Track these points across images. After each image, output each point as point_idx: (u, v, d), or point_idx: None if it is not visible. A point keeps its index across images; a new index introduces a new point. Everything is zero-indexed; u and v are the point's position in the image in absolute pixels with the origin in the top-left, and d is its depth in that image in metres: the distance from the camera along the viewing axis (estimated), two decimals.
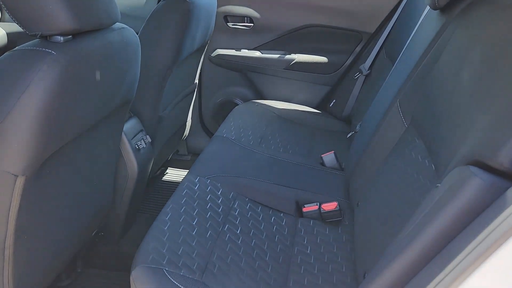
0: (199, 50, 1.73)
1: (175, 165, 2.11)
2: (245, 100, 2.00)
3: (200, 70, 1.97)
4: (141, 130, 1.42)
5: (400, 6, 1.62)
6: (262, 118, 1.69)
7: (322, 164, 1.44)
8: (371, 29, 1.78)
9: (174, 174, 2.05)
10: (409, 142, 0.95)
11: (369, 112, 1.29)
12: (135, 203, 1.45)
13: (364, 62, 1.72)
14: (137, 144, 1.37)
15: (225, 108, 2.02)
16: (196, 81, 1.85)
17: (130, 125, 1.37)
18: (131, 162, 1.34)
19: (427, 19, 1.16)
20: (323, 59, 1.86)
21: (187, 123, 1.91)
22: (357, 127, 1.44)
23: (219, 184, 1.22)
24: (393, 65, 1.49)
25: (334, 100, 1.85)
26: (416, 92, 1.00)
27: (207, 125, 2.09)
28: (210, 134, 2.11)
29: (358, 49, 1.83)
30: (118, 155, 1.28)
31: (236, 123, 1.62)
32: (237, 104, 2.00)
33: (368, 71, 1.69)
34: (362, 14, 1.76)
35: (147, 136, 1.43)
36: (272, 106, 1.81)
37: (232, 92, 2.00)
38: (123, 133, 1.31)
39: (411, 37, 1.27)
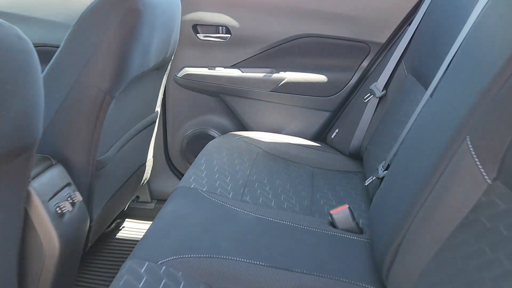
0: (160, 69, 1.30)
1: (134, 215, 1.65)
2: (223, 131, 1.57)
3: (164, 95, 1.54)
4: (68, 184, 0.97)
5: (422, 6, 1.23)
6: (244, 157, 1.26)
7: (332, 224, 1.01)
8: (382, 38, 1.38)
9: (132, 229, 1.59)
10: (503, 212, 0.54)
11: (404, 152, 0.87)
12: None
13: (376, 81, 1.31)
14: (59, 207, 0.91)
15: (198, 142, 1.58)
16: (158, 109, 1.41)
17: (48, 179, 0.92)
18: (49, 235, 0.89)
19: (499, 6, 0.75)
20: (321, 77, 1.45)
21: (147, 163, 1.46)
22: (380, 171, 1.02)
23: (179, 272, 0.78)
24: (421, 83, 1.09)
25: (337, 130, 1.43)
26: (501, 123, 0.59)
27: (176, 164, 1.65)
28: (179, 175, 1.66)
29: (365, 64, 1.43)
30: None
31: (209, 165, 1.18)
32: (213, 137, 1.56)
33: (383, 92, 1.28)
34: (369, 20, 1.37)
35: (76, 192, 0.98)
36: (257, 140, 1.38)
37: (205, 121, 1.57)
38: (33, 192, 0.86)
39: (462, 41, 0.87)
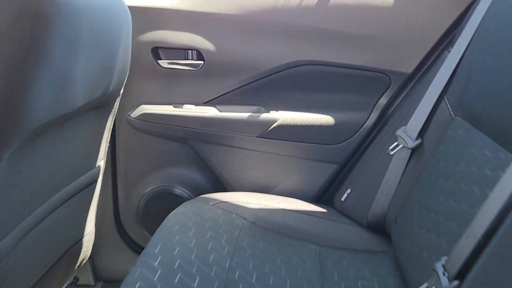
0: (101, 108, 0.91)
1: None
2: (193, 189, 1.17)
3: (112, 142, 1.14)
4: None
5: (471, 19, 0.89)
6: (222, 235, 0.86)
7: None
8: (408, 67, 1.03)
9: None
10: None
11: (502, 259, 0.48)
12: None
13: (405, 124, 0.94)
14: None
15: (159, 204, 1.18)
16: (101, 162, 1.01)
17: None
18: None
19: None
20: (326, 119, 1.08)
21: (84, 238, 1.04)
22: (444, 278, 0.63)
23: None
24: (483, 131, 0.72)
25: (348, 190, 1.05)
26: None
27: (130, 233, 1.23)
28: (135, 247, 1.24)
29: (383, 100, 1.07)
30: None
31: (167, 253, 0.78)
32: (180, 197, 1.16)
33: (418, 142, 0.91)
34: (390, 42, 1.02)
35: None
36: (240, 206, 0.99)
37: (170, 176, 1.17)
38: None
39: None
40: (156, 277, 0.71)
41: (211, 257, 0.79)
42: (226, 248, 0.82)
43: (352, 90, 1.07)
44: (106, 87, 0.85)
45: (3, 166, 0.62)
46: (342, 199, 1.06)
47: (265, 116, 1.07)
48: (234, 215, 0.95)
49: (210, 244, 0.82)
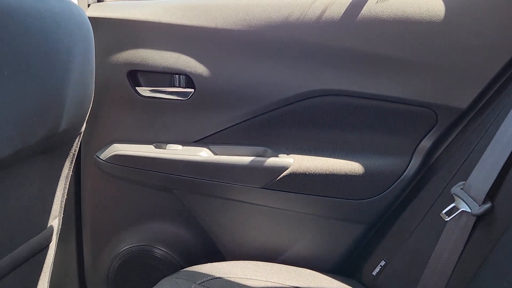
0: (51, 151, 0.67)
1: None
2: (179, 251, 0.91)
3: (78, 189, 0.89)
4: None
5: None
6: None
7: None
8: (461, 101, 0.78)
9: None
10: None
11: None
12: None
13: (464, 179, 0.69)
14: None
15: (135, 268, 0.92)
16: (55, 221, 0.76)
17: None
18: None
19: None
20: (352, 166, 0.83)
21: None
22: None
23: None
24: None
25: (383, 262, 0.79)
26: None
27: None
28: None
29: (427, 143, 0.82)
30: None
31: None
32: (162, 260, 0.91)
33: (487, 206, 0.66)
34: (439, 69, 0.77)
35: None
36: (240, 283, 0.73)
37: (149, 233, 0.92)
38: None
39: None
40: None
41: None
42: None
43: (386, 129, 0.82)
44: (53, 126, 0.61)
45: None
46: (374, 273, 0.80)
47: (273, 161, 0.82)
48: None
49: None
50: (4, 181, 0.59)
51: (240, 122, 0.85)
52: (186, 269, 0.78)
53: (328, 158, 0.83)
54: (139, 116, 0.86)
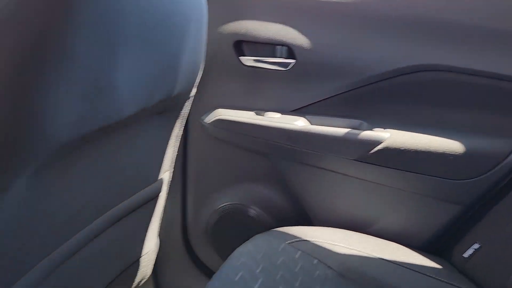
0: (166, 113, 0.76)
1: None
2: (271, 213, 0.98)
3: (183, 151, 0.99)
4: None
5: None
6: (296, 284, 0.66)
7: None
8: None
9: None
10: None
11: None
12: None
13: None
14: None
15: (231, 223, 1.01)
16: (165, 174, 0.86)
17: None
18: None
19: None
20: (452, 145, 0.80)
21: (143, 257, 0.91)
22: None
23: None
24: None
25: (476, 246, 0.77)
26: None
27: (197, 251, 1.08)
28: (202, 267, 1.09)
29: None
30: None
31: None
32: (252, 219, 0.98)
33: None
34: None
35: None
36: (324, 248, 0.77)
37: (245, 193, 0.99)
38: None
39: None
40: None
41: None
42: None
43: (494, 109, 0.78)
44: (169, 90, 0.68)
45: (18, 194, 0.48)
46: (466, 255, 0.78)
47: (368, 134, 0.83)
48: (316, 261, 0.73)
49: (284, 284, 0.62)
50: (127, 137, 0.69)
51: (337, 94, 0.87)
52: (276, 229, 0.83)
53: (426, 135, 0.81)
54: (242, 84, 0.92)
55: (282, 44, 0.87)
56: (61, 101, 0.46)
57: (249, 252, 0.73)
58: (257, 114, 0.92)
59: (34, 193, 0.51)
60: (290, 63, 0.87)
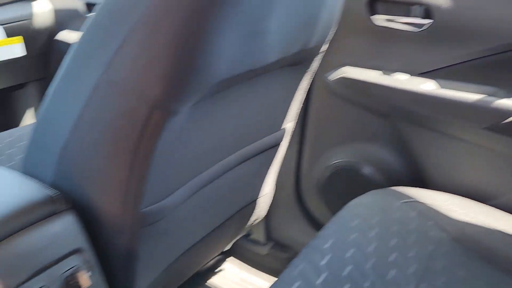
0: (297, 65, 0.80)
1: (241, 254, 1.22)
2: (385, 174, 0.99)
3: (304, 105, 1.03)
4: (77, 251, 0.56)
5: None
6: (410, 241, 0.68)
7: None
8: None
9: (231, 276, 1.15)
10: None
11: None
12: None
13: None
14: None
15: (343, 180, 1.04)
16: (289, 125, 0.92)
17: (41, 237, 0.52)
18: None
19: None
20: None
21: (259, 199, 0.99)
22: None
23: None
24: None
25: None
26: None
27: (308, 202, 1.14)
28: (310, 219, 1.15)
29: None
30: None
31: (342, 247, 0.65)
32: (368, 178, 1.00)
33: None
34: None
35: (86, 271, 0.56)
36: (440, 211, 0.77)
37: (361, 152, 1.01)
38: None
39: None
40: (320, 281, 0.59)
41: (391, 274, 0.62)
42: (413, 266, 0.64)
43: None
44: (306, 42, 0.72)
45: (181, 120, 0.56)
46: None
47: (502, 102, 0.79)
48: (431, 223, 0.74)
49: (393, 255, 0.65)
50: (262, 84, 0.75)
51: (473, 59, 0.83)
52: (391, 188, 0.85)
53: None
54: (371, 43, 0.92)
55: (420, 3, 0.85)
56: (225, 43, 0.52)
57: (366, 204, 0.77)
58: (384, 74, 0.92)
59: (190, 122, 0.60)
60: (425, 24, 0.86)
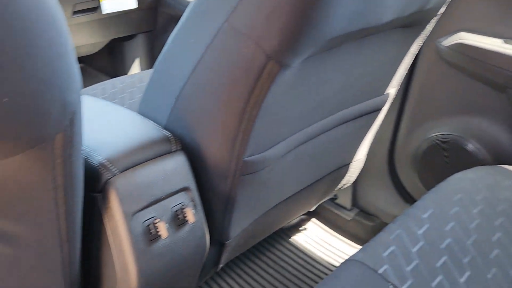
0: (409, 27, 0.76)
1: (325, 218, 1.23)
2: (491, 152, 0.92)
3: (410, 71, 0.98)
4: (184, 189, 0.60)
5: None
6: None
7: None
8: None
9: (315, 234, 1.17)
10: None
11: None
12: None
13: None
14: (154, 225, 0.56)
15: (442, 155, 0.99)
16: (392, 90, 0.88)
17: (154, 173, 0.57)
18: (124, 266, 0.56)
19: None
20: None
21: (352, 163, 0.98)
22: None
23: None
24: None
25: None
26: None
27: (401, 174, 1.11)
28: (402, 191, 1.12)
29: None
30: None
31: (442, 218, 0.63)
32: (472, 155, 0.94)
33: None
34: None
35: (191, 208, 0.60)
36: None
37: (466, 126, 0.95)
38: (112, 191, 0.53)
39: None
40: (415, 249, 0.58)
41: (494, 253, 0.59)
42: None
43: None
44: (424, 3, 0.68)
45: (291, 75, 0.57)
46: None
47: None
48: None
49: (498, 235, 0.62)
50: (368, 45, 0.72)
51: None
52: (500, 165, 0.79)
53: None
54: (493, 8, 0.84)
55: None
56: (338, 1, 0.51)
57: (470, 179, 0.73)
58: (505, 43, 0.84)
59: (299, 77, 0.60)
60: None
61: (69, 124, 0.37)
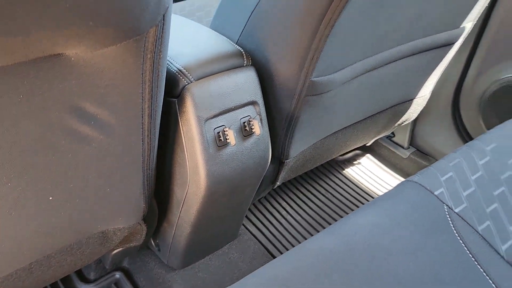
0: None
1: (380, 154, 1.24)
2: None
3: (490, 4, 0.93)
4: (252, 103, 0.64)
5: None
6: None
7: None
8: None
9: (368, 169, 1.19)
10: None
11: None
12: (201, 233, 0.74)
13: None
14: (223, 133, 0.61)
15: (509, 100, 0.96)
16: (468, 24, 0.85)
17: (224, 85, 0.61)
18: (195, 168, 0.61)
19: None
20: None
21: (416, 100, 0.97)
22: None
23: None
24: None
25: None
26: None
27: (464, 117, 1.08)
28: (463, 134, 1.10)
29: None
30: None
31: (505, 152, 0.63)
32: None
33: None
34: None
35: (257, 121, 0.64)
36: None
37: None
38: (189, 101, 0.58)
39: None
40: (474, 177, 0.59)
41: None
42: None
43: None
44: None
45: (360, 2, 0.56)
46: None
47: None
48: None
49: None
50: None
51: None
52: None
53: None
54: None
55: None
56: None
57: None
58: None
59: (372, 1, 0.60)
60: None
61: (162, 20, 0.40)
